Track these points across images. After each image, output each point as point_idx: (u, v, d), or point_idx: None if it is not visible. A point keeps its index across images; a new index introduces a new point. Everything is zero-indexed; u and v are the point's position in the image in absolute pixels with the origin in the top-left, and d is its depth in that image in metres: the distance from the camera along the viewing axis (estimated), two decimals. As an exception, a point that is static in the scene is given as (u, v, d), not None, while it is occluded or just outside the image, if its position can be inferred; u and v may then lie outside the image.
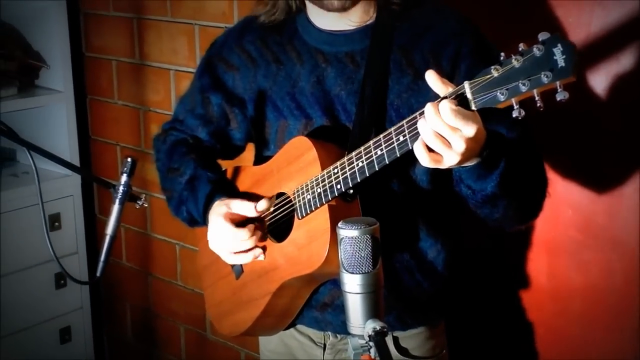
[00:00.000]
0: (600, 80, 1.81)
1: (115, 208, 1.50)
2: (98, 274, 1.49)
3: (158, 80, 2.78)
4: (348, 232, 1.19)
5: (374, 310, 1.19)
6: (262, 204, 1.63)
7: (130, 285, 3.11)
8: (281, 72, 1.68)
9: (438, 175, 1.58)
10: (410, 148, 1.33)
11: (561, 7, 1.84)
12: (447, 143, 1.28)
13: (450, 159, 1.29)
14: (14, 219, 2.81)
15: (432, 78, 1.31)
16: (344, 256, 1.20)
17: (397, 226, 1.58)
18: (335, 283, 1.63)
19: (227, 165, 1.86)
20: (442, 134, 1.27)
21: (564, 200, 1.91)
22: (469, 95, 1.25)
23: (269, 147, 1.73)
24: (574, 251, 1.94)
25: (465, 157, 1.31)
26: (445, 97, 1.28)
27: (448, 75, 1.53)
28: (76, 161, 2.96)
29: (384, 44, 1.57)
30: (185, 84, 2.64)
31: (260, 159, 1.77)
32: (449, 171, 1.47)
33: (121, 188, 1.48)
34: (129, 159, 1.48)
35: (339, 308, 1.66)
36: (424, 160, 1.30)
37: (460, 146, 1.27)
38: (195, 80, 1.86)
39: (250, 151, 1.84)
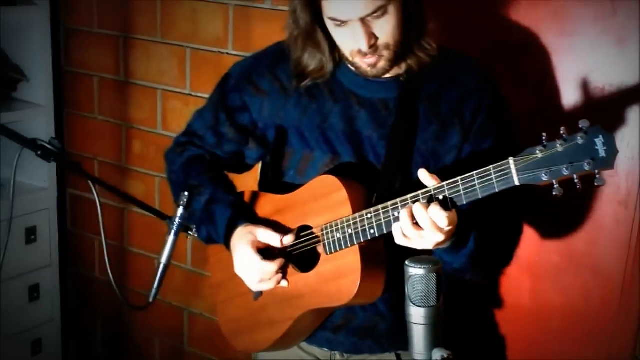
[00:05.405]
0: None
1: (170, 239, 1.57)
2: (151, 300, 1.57)
3: (143, 98, 2.83)
4: (416, 271, 1.33)
5: (437, 339, 1.34)
6: (288, 239, 1.73)
7: (103, 298, 3.14)
8: (312, 105, 1.77)
9: None
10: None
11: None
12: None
13: (423, 246, 1.52)
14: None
15: (422, 174, 1.51)
16: (412, 291, 1.34)
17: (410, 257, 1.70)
18: (350, 308, 1.77)
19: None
20: (424, 228, 1.48)
21: (548, 229, 2.11)
22: (513, 171, 1.40)
23: (288, 173, 1.83)
24: (556, 275, 2.13)
25: (437, 246, 1.53)
26: (441, 189, 1.49)
27: (468, 125, 1.70)
28: (53, 175, 2.99)
29: (413, 94, 1.71)
30: (174, 104, 2.75)
31: (276, 183, 1.85)
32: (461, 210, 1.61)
33: (177, 220, 1.56)
34: (186, 193, 1.56)
35: (352, 330, 1.81)
36: (398, 240, 1.53)
37: (438, 238, 1.49)
38: (217, 99, 1.90)
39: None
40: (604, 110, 1.98)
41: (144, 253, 2.99)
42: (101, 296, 3.16)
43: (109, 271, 1.58)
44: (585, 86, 1.98)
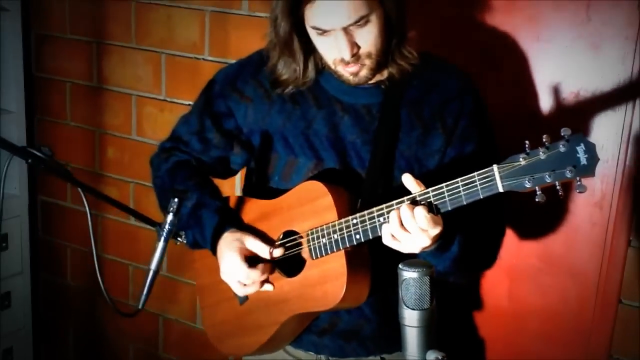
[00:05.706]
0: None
1: (160, 245, 1.57)
2: (140, 306, 1.56)
3: (118, 104, 2.81)
4: (410, 274, 1.35)
5: (430, 341, 1.36)
6: (278, 252, 1.75)
7: (76, 305, 3.11)
8: (296, 112, 1.79)
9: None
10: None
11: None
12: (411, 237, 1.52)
13: (410, 249, 1.55)
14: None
15: (407, 179, 1.53)
16: (405, 294, 1.36)
17: (394, 261, 1.64)
18: (336, 311, 1.77)
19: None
20: (410, 232, 1.51)
21: (526, 231, 2.15)
22: (497, 178, 1.43)
23: (273, 178, 1.84)
24: (534, 277, 2.18)
25: (423, 250, 1.56)
26: (426, 195, 1.51)
27: (450, 129, 1.73)
28: (24, 182, 2.95)
29: (396, 99, 1.74)
30: (149, 110, 2.74)
31: (260, 189, 1.86)
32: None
33: (167, 227, 1.56)
34: (176, 200, 1.56)
35: (337, 333, 1.83)
36: (387, 241, 1.55)
37: (424, 242, 1.52)
38: (202, 104, 1.91)
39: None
40: (579, 115, 2.02)
41: (118, 259, 2.96)
42: (74, 303, 3.13)
43: (99, 279, 1.57)
44: (560, 91, 2.03)
